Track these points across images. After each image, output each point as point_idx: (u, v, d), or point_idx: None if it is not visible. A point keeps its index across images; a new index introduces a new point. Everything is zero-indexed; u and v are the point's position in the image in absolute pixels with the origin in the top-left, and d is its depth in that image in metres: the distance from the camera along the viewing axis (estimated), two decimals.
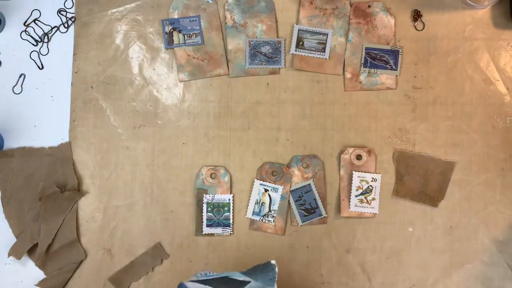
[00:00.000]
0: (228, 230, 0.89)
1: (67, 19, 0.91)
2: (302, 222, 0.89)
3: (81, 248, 0.88)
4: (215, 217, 0.89)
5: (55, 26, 0.92)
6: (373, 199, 0.88)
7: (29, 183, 0.88)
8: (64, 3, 0.92)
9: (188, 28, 0.90)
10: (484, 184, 0.89)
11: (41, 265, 0.88)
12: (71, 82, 0.90)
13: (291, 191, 0.89)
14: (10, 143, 0.90)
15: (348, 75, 0.90)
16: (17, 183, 0.88)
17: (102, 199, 0.89)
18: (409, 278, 0.88)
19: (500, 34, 0.90)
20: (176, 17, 0.90)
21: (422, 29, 0.90)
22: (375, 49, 0.90)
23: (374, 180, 0.89)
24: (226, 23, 0.90)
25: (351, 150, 0.89)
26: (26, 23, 0.92)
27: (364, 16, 0.90)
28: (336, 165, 0.90)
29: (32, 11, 0.92)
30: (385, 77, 0.90)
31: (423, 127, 0.89)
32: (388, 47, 0.90)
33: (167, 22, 0.90)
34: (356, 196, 0.88)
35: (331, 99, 0.90)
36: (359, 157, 0.89)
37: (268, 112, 0.90)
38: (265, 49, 0.90)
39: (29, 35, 0.91)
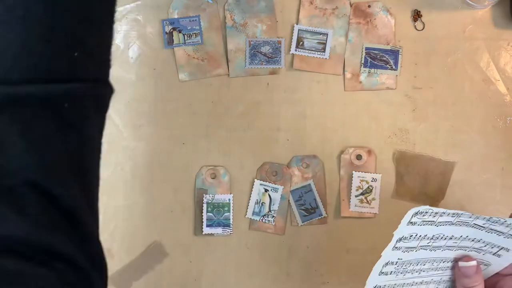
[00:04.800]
0: (228, 230, 0.89)
1: None
2: (302, 222, 0.88)
3: None
4: (215, 217, 0.89)
5: None
6: (373, 199, 0.88)
7: None
8: None
9: (188, 28, 0.90)
10: (484, 184, 0.89)
11: None
12: None
13: (291, 191, 0.89)
14: None
15: (348, 75, 0.90)
16: None
17: (102, 199, 0.89)
18: None
19: (500, 34, 0.90)
20: (176, 17, 0.90)
21: (422, 29, 0.90)
22: (375, 49, 0.90)
23: (374, 180, 0.88)
24: (226, 23, 0.90)
25: (351, 150, 0.89)
26: None
27: (364, 16, 0.90)
28: (336, 165, 0.90)
29: None
30: (385, 77, 0.90)
31: (423, 127, 0.89)
32: (388, 47, 0.89)
33: (167, 22, 0.90)
34: (356, 196, 0.88)
35: (331, 99, 0.90)
36: (359, 157, 0.89)
37: (268, 112, 0.90)
38: (265, 49, 0.90)
39: None
